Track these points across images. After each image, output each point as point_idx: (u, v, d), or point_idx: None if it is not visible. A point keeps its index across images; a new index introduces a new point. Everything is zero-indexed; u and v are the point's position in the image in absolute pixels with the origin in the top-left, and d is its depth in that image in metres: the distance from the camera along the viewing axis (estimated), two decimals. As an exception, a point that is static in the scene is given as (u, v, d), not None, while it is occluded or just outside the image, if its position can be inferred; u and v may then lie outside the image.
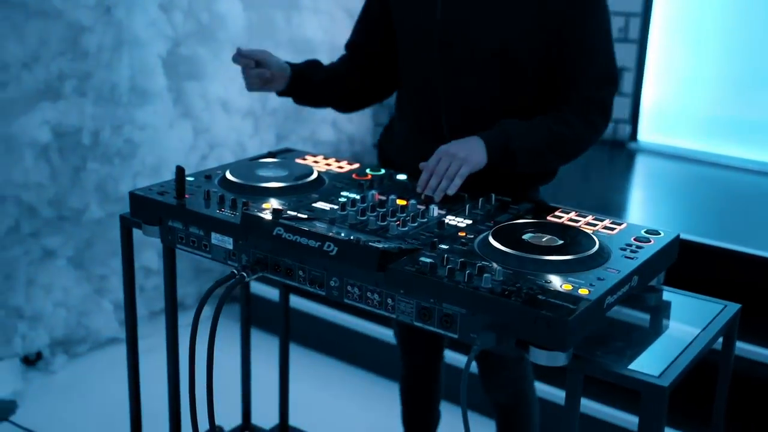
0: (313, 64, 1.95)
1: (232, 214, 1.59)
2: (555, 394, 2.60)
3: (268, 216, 1.50)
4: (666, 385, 1.22)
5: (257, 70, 1.82)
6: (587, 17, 1.72)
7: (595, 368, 1.29)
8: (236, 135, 3.56)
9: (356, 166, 1.91)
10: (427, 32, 1.78)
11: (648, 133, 4.20)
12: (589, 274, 1.36)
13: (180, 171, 1.65)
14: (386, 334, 2.98)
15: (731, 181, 3.77)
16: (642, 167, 4.06)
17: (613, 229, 1.57)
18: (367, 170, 1.87)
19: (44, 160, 2.94)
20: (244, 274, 1.52)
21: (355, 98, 2.01)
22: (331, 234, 1.43)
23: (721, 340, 1.52)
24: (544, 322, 1.23)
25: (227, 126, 3.51)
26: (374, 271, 1.37)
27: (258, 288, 3.30)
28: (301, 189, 1.72)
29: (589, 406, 2.57)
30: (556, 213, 1.64)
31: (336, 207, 1.62)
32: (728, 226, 3.20)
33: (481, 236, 1.49)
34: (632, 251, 1.46)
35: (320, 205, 1.64)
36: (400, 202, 1.64)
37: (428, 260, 1.38)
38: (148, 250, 3.25)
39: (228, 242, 1.58)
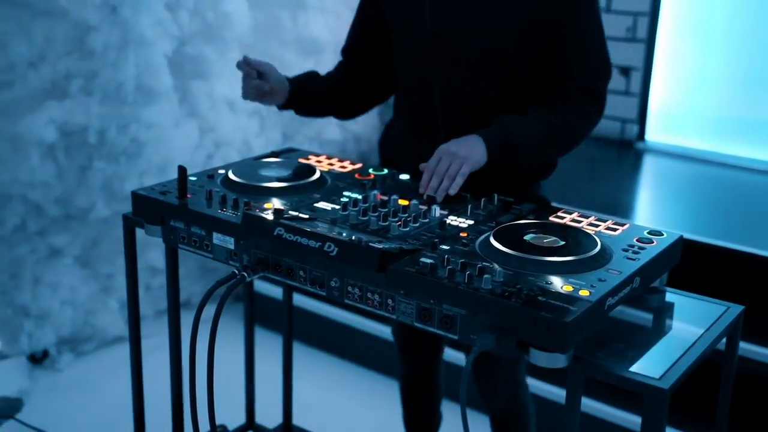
0: (311, 76, 1.96)
1: (233, 213, 1.59)
2: (556, 393, 2.60)
3: (269, 216, 1.50)
4: (666, 388, 1.21)
5: (257, 81, 1.84)
6: (579, 8, 1.73)
7: (596, 370, 1.28)
8: (242, 134, 3.57)
9: (359, 165, 1.91)
10: (419, 28, 1.79)
11: (656, 133, 4.18)
12: (591, 275, 1.35)
13: (182, 171, 1.65)
14: (390, 333, 2.97)
15: (739, 182, 3.75)
16: (650, 167, 4.05)
17: (615, 229, 1.56)
18: (370, 170, 1.87)
19: (50, 159, 2.95)
20: (245, 274, 1.53)
21: (355, 103, 2.01)
22: (331, 234, 1.43)
23: (724, 341, 1.51)
24: (544, 323, 1.22)
25: (233, 125, 3.51)
26: (374, 271, 1.37)
27: (261, 286, 3.30)
28: (303, 189, 1.72)
29: (591, 405, 2.57)
30: (559, 213, 1.64)
31: (338, 207, 1.62)
32: (736, 226, 3.18)
33: (483, 237, 1.48)
34: (634, 252, 1.45)
35: (322, 205, 1.64)
36: (402, 202, 1.64)
37: (429, 261, 1.37)
38: (154, 249, 3.26)
39: (229, 242, 1.58)
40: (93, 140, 2.99)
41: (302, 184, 1.74)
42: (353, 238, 1.43)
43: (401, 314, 1.39)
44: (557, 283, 1.32)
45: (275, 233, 1.47)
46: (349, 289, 1.45)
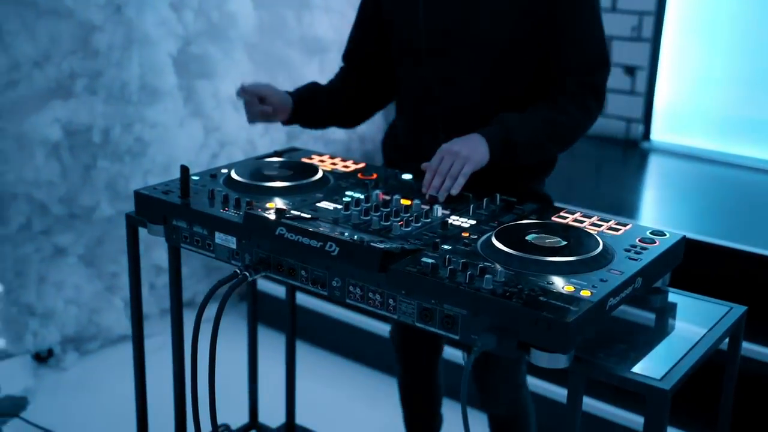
0: (312, 89, 1.97)
1: (235, 213, 1.59)
2: (557, 392, 2.59)
3: (271, 216, 1.50)
4: (668, 389, 1.21)
5: (260, 107, 1.86)
6: (577, 3, 1.73)
7: (597, 370, 1.28)
8: (247, 133, 3.57)
9: (362, 165, 1.91)
10: (414, 27, 1.79)
11: (661, 132, 4.17)
12: (592, 275, 1.35)
13: (184, 170, 1.66)
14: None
15: (745, 181, 3.74)
16: (655, 167, 4.04)
17: (618, 230, 1.55)
18: (373, 170, 1.87)
19: (55, 158, 2.96)
20: (247, 274, 1.53)
21: (357, 109, 2.02)
22: (333, 234, 1.43)
23: (727, 341, 1.50)
24: (545, 323, 1.22)
25: (238, 124, 3.51)
26: (376, 271, 1.37)
27: (265, 285, 3.31)
28: (306, 188, 1.72)
29: (593, 405, 2.56)
30: (561, 213, 1.63)
31: (340, 207, 1.61)
32: (741, 226, 3.17)
33: (485, 237, 1.48)
34: (636, 252, 1.45)
35: (324, 204, 1.64)
36: (404, 202, 1.64)
37: (430, 261, 1.37)
38: (159, 248, 3.26)
39: (231, 242, 1.58)
40: (97, 139, 2.99)
41: (304, 183, 1.74)
42: (355, 237, 1.43)
43: (402, 314, 1.39)
44: (559, 283, 1.32)
45: (277, 233, 1.47)
46: (351, 289, 1.45)
